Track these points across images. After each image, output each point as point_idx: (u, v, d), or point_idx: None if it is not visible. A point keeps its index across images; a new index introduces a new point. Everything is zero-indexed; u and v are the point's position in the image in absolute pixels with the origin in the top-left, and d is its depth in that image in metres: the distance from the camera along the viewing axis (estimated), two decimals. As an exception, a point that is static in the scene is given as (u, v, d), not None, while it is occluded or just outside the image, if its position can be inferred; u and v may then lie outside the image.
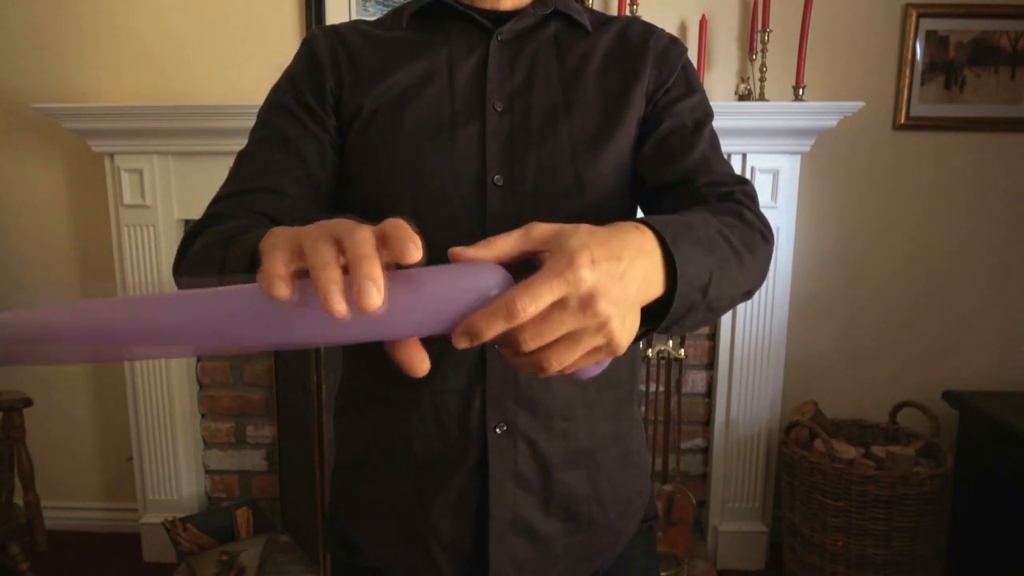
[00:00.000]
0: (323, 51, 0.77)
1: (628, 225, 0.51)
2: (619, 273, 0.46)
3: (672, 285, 0.53)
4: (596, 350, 0.46)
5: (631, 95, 0.76)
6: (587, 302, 0.44)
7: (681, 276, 0.52)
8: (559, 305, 0.44)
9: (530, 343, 0.44)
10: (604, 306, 0.44)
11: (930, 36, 2.12)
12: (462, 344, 0.43)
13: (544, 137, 0.73)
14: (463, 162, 0.72)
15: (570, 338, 0.45)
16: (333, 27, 0.80)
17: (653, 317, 0.54)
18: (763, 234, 0.67)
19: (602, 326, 0.45)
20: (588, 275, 0.44)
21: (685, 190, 0.72)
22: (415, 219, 0.60)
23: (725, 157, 0.79)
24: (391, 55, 0.76)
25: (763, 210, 0.72)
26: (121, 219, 2.12)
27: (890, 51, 2.15)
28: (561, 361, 0.45)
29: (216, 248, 0.62)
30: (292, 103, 0.75)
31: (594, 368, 0.50)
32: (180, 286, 0.66)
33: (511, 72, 0.75)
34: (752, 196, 0.72)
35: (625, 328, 0.46)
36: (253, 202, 0.70)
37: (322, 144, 0.74)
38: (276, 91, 0.78)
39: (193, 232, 0.69)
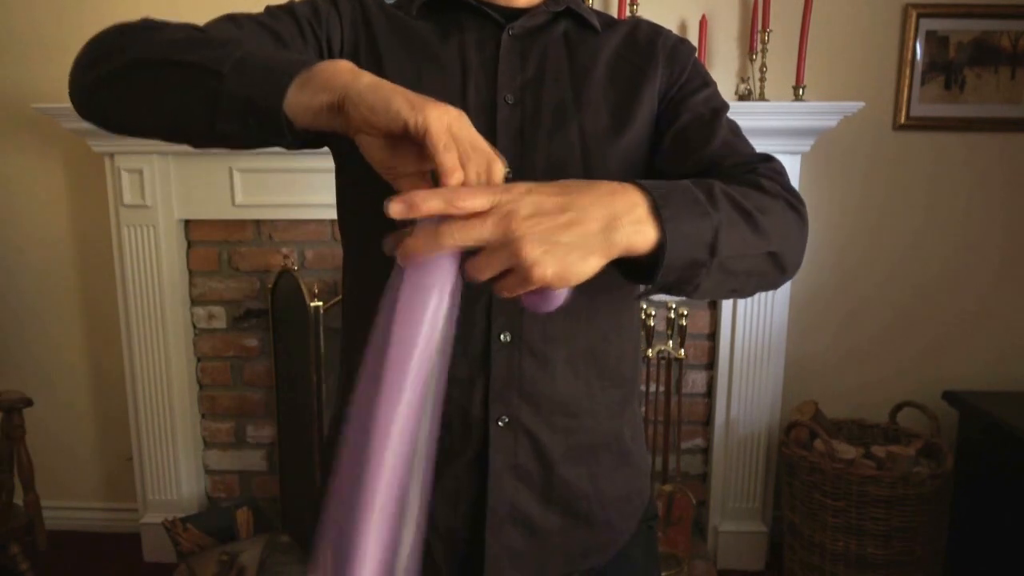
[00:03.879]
0: (345, 11, 0.76)
1: (605, 182, 0.55)
2: (559, 207, 0.50)
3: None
4: (513, 273, 0.50)
5: (640, 94, 0.76)
6: (506, 218, 0.49)
7: (672, 231, 0.54)
8: (482, 214, 0.49)
9: (449, 237, 0.48)
10: (521, 227, 0.48)
11: (930, 36, 2.12)
12: (395, 210, 0.48)
13: (554, 132, 0.73)
14: None
15: (486, 251, 0.49)
16: None
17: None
18: (788, 202, 0.66)
19: (510, 243, 0.48)
20: (514, 198, 0.49)
21: (710, 176, 0.72)
22: None
23: (748, 139, 0.78)
24: (405, 44, 0.76)
25: None
26: (121, 219, 2.12)
27: (890, 51, 2.15)
28: (476, 269, 0.50)
29: (209, 45, 0.57)
30: (304, 19, 0.73)
31: (542, 299, 0.53)
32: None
33: (522, 66, 0.76)
34: (778, 171, 0.70)
35: (556, 260, 0.49)
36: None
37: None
38: (295, 2, 0.75)
39: (142, 26, 0.62)
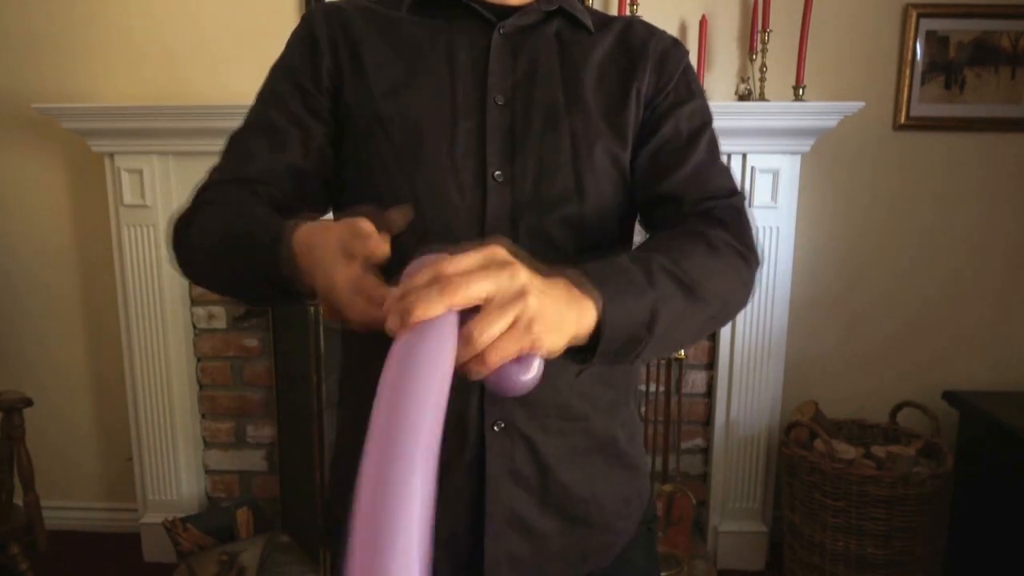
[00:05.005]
0: (322, 34, 0.76)
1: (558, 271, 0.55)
2: (536, 268, 0.50)
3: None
4: (513, 328, 0.47)
5: (629, 98, 0.75)
6: (509, 268, 0.47)
7: (611, 312, 0.55)
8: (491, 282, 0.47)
9: (453, 296, 0.45)
10: (525, 275, 0.47)
11: (930, 36, 2.12)
12: (391, 323, 0.45)
13: (545, 133, 0.72)
14: (463, 157, 0.71)
15: (494, 304, 0.46)
16: (336, 5, 0.79)
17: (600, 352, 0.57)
18: (737, 251, 0.68)
19: (519, 295, 0.47)
20: (504, 251, 0.48)
21: (672, 209, 0.73)
22: (415, 212, 0.62)
23: (723, 162, 0.79)
24: (392, 44, 0.75)
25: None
26: (121, 219, 2.12)
27: (890, 51, 2.14)
28: (484, 324, 0.45)
29: (228, 229, 0.66)
30: (286, 89, 0.75)
31: (520, 367, 0.50)
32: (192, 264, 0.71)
33: (513, 66, 0.75)
34: (736, 209, 0.72)
35: (549, 319, 0.48)
36: (241, 191, 0.71)
37: (309, 133, 0.74)
38: (272, 75, 0.78)
39: (187, 218, 0.72)
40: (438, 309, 0.44)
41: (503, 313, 0.46)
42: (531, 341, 0.47)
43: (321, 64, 0.75)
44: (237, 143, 0.76)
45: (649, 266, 0.60)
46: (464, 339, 0.45)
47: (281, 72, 0.77)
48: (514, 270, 0.47)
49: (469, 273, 0.46)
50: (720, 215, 0.70)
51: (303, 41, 0.77)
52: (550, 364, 0.72)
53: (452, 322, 0.45)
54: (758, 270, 0.71)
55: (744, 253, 0.69)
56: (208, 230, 0.68)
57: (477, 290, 0.45)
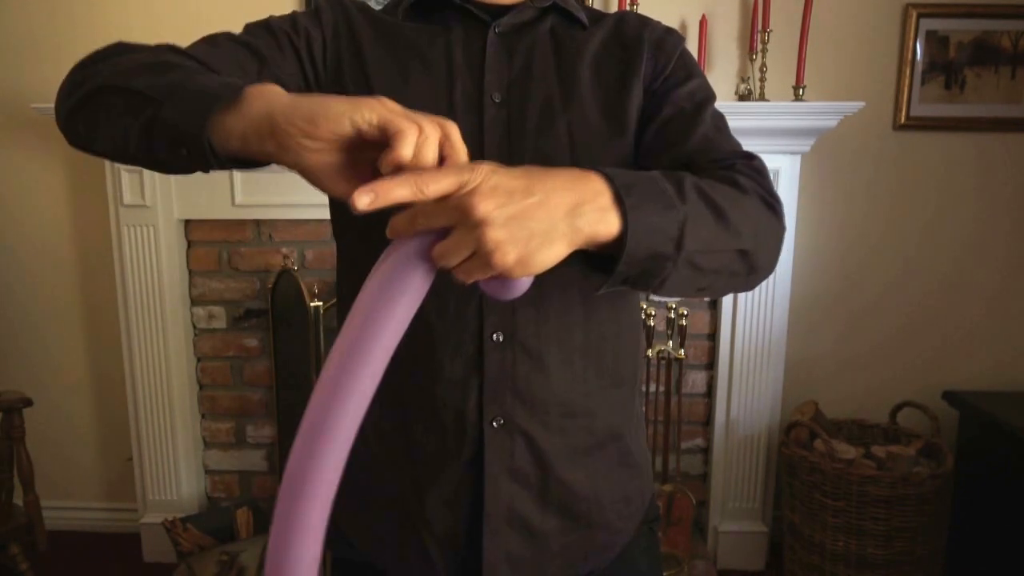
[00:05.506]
0: (328, 21, 0.77)
1: (568, 168, 0.54)
2: (524, 189, 0.49)
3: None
4: (475, 257, 0.48)
5: (629, 88, 0.75)
6: (469, 200, 0.47)
7: (635, 220, 0.52)
8: (445, 198, 0.48)
9: (419, 220, 0.49)
10: (484, 209, 0.47)
11: (930, 36, 2.12)
12: (362, 202, 0.46)
13: (542, 130, 0.73)
14: None
15: (452, 235, 0.48)
16: (341, 2, 0.79)
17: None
18: (764, 200, 0.65)
19: (474, 227, 0.47)
20: (478, 178, 0.48)
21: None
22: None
23: (732, 135, 0.77)
24: (390, 47, 0.76)
25: None
26: (121, 219, 2.11)
27: (890, 51, 2.14)
28: (441, 256, 0.48)
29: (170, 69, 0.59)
30: (283, 34, 0.74)
31: (502, 285, 0.52)
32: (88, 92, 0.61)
33: (509, 64, 0.75)
34: (758, 169, 0.69)
35: (519, 247, 0.48)
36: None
37: (283, 71, 0.73)
38: (274, 17, 0.77)
39: (112, 49, 0.65)
40: (408, 233, 0.49)
41: (458, 245, 0.48)
42: (498, 269, 0.48)
43: (323, 46, 0.75)
44: (212, 42, 0.71)
45: (680, 182, 0.58)
46: (434, 259, 0.49)
47: (284, 21, 0.76)
48: (473, 201, 0.47)
49: (428, 207, 0.48)
50: (742, 170, 0.67)
51: (311, 17, 0.77)
52: (552, 362, 0.72)
53: (416, 247, 0.49)
54: (784, 233, 0.67)
55: (772, 204, 0.65)
56: (134, 63, 0.60)
57: (435, 221, 0.48)
